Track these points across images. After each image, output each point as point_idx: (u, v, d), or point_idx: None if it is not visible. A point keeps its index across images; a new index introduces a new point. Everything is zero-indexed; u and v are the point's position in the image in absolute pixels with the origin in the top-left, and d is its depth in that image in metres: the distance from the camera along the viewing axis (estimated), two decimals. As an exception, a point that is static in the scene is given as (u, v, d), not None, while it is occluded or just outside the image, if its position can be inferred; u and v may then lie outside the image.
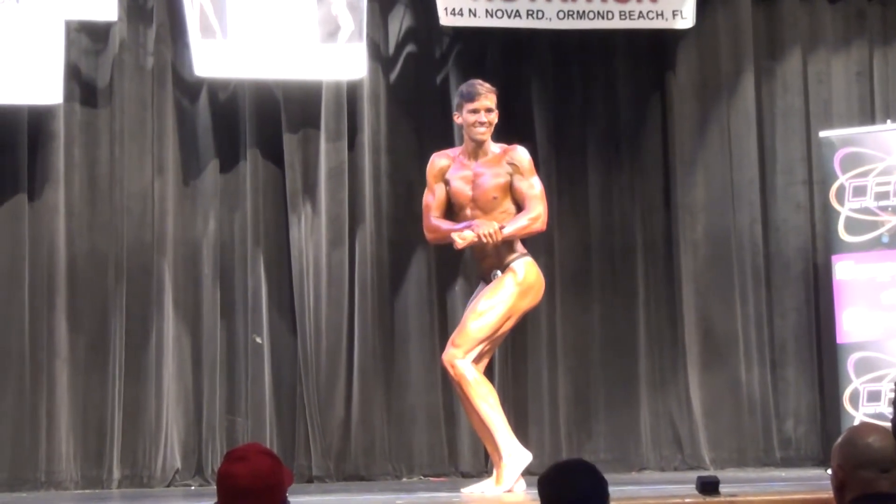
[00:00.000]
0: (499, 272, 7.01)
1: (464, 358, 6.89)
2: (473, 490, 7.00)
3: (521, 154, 7.05)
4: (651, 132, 9.48)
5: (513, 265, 6.99)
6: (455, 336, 7.05)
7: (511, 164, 7.00)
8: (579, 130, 9.41)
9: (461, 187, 7.08)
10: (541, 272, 7.16)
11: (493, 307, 6.94)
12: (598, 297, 9.30)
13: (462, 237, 6.95)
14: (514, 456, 6.83)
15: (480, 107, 7.01)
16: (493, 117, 7.06)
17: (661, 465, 9.18)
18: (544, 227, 7.10)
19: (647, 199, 9.44)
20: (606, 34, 9.17)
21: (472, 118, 7.03)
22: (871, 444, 3.33)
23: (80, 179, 8.65)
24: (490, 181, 7.01)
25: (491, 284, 7.03)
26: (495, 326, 6.94)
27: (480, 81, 7.18)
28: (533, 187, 6.99)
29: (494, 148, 7.10)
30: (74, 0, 8.22)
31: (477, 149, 7.08)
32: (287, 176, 8.87)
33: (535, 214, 6.96)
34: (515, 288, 6.96)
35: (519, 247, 7.05)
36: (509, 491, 6.78)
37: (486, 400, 6.91)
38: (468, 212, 7.06)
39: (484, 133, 7.04)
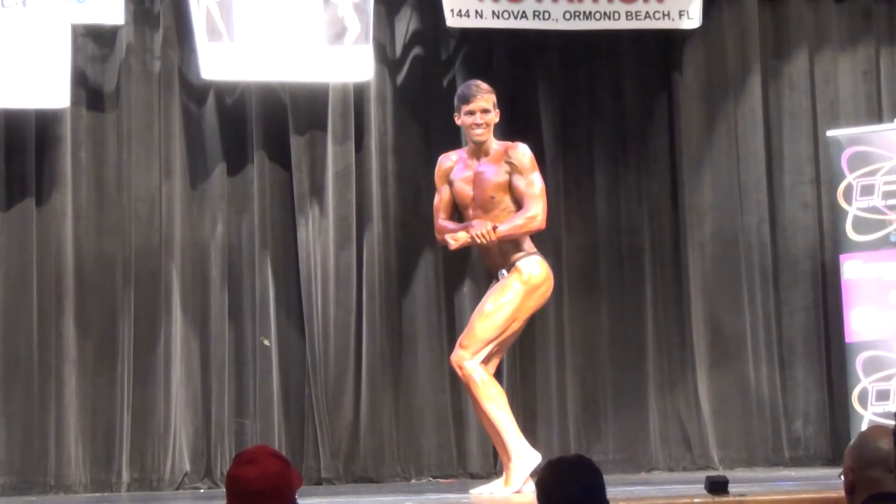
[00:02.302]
0: (505, 271, 6.99)
1: (472, 359, 6.88)
2: (482, 491, 7.00)
3: (521, 151, 6.99)
4: (658, 132, 9.48)
5: (518, 264, 6.97)
6: (463, 337, 7.04)
7: (509, 162, 6.96)
8: (586, 131, 9.41)
9: (462, 188, 7.07)
10: (550, 270, 7.12)
11: (500, 308, 6.92)
12: (606, 297, 9.30)
13: (455, 238, 6.95)
14: (522, 457, 6.82)
15: (476, 108, 6.99)
16: (491, 118, 7.02)
17: (669, 464, 9.18)
18: (543, 226, 7.03)
19: (655, 198, 9.44)
20: (613, 35, 9.17)
21: (468, 119, 7.01)
22: (881, 447, 3.36)
23: (87, 183, 8.66)
24: (488, 180, 6.98)
25: (497, 285, 7.01)
26: (502, 327, 6.93)
27: (477, 82, 7.15)
28: (532, 185, 6.94)
29: (497, 146, 7.07)
30: (81, 4, 8.23)
31: (478, 149, 7.06)
32: (294, 178, 8.87)
33: (532, 213, 6.91)
34: (521, 287, 6.93)
35: (526, 245, 7.02)
36: (518, 492, 6.77)
37: (494, 401, 6.90)
38: (470, 211, 7.05)
39: (481, 134, 7.01)
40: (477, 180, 7.02)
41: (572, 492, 3.35)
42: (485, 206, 6.98)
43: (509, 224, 6.88)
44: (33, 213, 8.51)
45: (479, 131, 6.99)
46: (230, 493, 3.20)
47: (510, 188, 6.96)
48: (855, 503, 3.42)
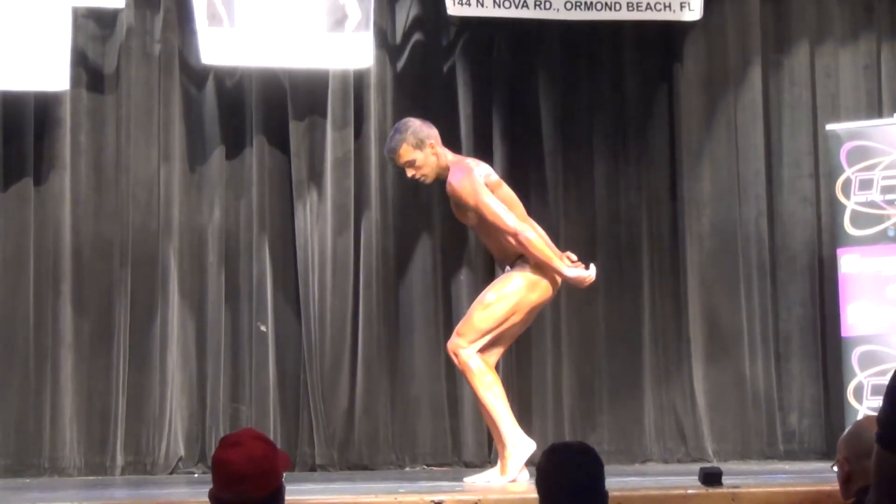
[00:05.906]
0: (509, 267, 7.01)
1: (468, 347, 6.87)
2: (477, 480, 6.98)
3: (452, 187, 6.90)
4: (658, 124, 9.46)
5: (521, 260, 6.97)
6: (460, 326, 7.04)
7: (451, 195, 6.96)
8: (586, 122, 9.40)
9: None
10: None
11: (501, 299, 6.90)
12: (604, 289, 9.27)
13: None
14: (518, 445, 6.82)
15: (402, 166, 7.03)
16: (416, 168, 6.95)
17: (664, 457, 9.18)
18: (521, 231, 6.87)
19: (654, 191, 9.43)
20: (614, 25, 9.16)
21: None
22: (876, 437, 3.34)
23: (86, 166, 8.65)
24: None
25: (501, 276, 7.03)
26: (501, 319, 6.91)
27: (390, 142, 7.04)
28: (483, 212, 6.85)
29: (450, 162, 7.02)
30: (82, -14, 8.23)
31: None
32: (293, 164, 8.86)
33: (512, 233, 6.85)
34: (523, 281, 6.92)
35: None
36: (513, 481, 6.77)
37: (490, 389, 6.89)
38: None
39: (424, 180, 7.03)
40: None
41: (572, 478, 3.35)
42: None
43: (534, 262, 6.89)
44: (31, 196, 8.50)
45: (419, 180, 7.05)
46: (216, 476, 3.20)
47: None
48: (850, 493, 3.40)
